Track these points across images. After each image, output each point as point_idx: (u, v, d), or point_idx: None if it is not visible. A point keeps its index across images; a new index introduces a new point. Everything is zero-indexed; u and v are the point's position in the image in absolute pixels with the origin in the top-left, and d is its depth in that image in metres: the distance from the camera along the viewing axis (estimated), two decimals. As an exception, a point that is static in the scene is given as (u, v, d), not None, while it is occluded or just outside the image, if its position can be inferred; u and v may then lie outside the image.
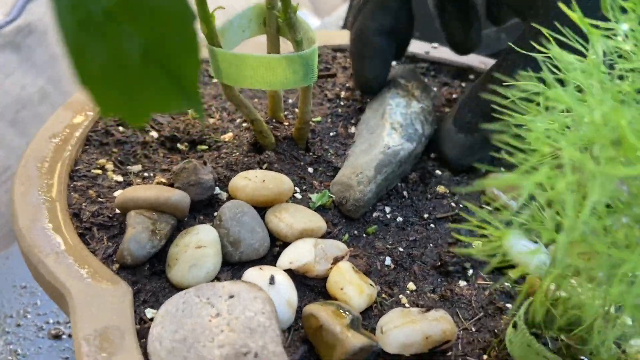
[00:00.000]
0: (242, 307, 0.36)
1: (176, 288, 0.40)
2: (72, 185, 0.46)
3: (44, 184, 0.45)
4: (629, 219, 0.25)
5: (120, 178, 0.49)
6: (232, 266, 0.43)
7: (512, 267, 0.45)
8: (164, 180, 0.48)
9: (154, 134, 0.53)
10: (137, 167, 0.50)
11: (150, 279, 0.41)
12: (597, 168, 0.21)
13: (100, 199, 0.46)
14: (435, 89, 0.63)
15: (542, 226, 0.29)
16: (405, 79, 0.60)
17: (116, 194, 0.47)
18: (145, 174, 0.49)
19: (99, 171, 0.49)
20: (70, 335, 0.56)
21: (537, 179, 0.22)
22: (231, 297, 0.36)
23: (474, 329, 0.42)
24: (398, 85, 0.59)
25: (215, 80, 0.62)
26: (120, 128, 0.53)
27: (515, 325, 0.37)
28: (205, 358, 0.33)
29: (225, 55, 0.43)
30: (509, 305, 0.44)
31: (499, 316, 0.43)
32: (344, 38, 0.71)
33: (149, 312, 0.39)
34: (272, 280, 0.40)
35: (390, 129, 0.53)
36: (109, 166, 0.49)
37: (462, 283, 0.46)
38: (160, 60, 0.21)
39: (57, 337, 0.56)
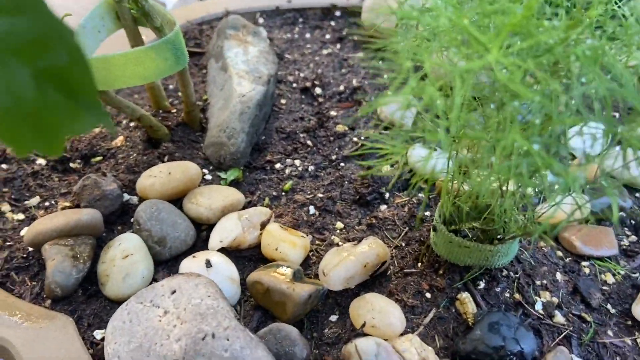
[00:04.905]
0: (187, 297, 0.36)
1: (116, 303, 0.40)
2: (-28, 239, 0.44)
3: (-59, 247, 0.42)
4: (495, 104, 0.28)
5: (21, 216, 0.46)
6: (166, 263, 0.43)
7: (425, 180, 0.49)
8: (68, 204, 0.46)
9: (42, 161, 0.51)
10: (35, 200, 0.48)
11: (88, 302, 0.40)
12: (453, 67, 0.23)
13: (8, 243, 0.44)
14: (263, 30, 0.64)
15: (431, 132, 0.32)
16: (234, 29, 0.61)
17: (23, 232, 0.45)
18: (47, 204, 0.47)
19: (-4, 216, 0.46)
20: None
21: (407, 92, 0.24)
22: (173, 292, 0.37)
23: (403, 244, 0.46)
24: (229, 36, 0.60)
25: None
26: (4, 165, 0.50)
27: (435, 229, 0.40)
28: (166, 356, 0.34)
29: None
30: (427, 213, 0.48)
31: (422, 226, 0.47)
32: (203, 10, 0.69)
33: (98, 334, 0.38)
34: (208, 264, 0.41)
35: (237, 79, 0.54)
36: (5, 207, 0.47)
37: (383, 207, 0.49)
38: (54, 84, 0.20)
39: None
